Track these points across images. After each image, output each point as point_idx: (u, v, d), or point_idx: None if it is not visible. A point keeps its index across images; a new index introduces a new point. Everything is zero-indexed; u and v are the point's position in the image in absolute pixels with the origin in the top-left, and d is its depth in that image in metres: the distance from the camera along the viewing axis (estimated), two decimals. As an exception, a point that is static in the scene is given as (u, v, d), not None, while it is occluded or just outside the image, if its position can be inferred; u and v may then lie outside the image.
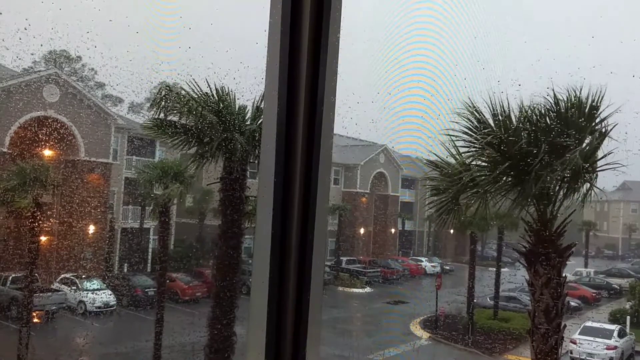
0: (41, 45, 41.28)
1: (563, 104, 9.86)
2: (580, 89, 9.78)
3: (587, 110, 9.77)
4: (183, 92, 13.52)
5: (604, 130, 9.89)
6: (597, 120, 9.85)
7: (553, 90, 9.85)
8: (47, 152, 27.84)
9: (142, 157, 35.09)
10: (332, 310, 30.52)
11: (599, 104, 9.77)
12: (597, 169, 9.93)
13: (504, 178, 10.15)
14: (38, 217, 18.86)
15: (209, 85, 13.66)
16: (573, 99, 9.81)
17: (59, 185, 21.26)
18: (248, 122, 13.61)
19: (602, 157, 9.95)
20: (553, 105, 9.96)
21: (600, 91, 9.75)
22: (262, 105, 12.60)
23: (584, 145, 9.89)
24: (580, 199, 10.08)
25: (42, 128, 28.37)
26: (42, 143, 27.67)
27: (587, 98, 9.77)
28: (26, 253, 19.30)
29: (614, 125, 9.86)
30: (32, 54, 39.33)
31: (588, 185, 9.96)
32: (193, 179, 22.72)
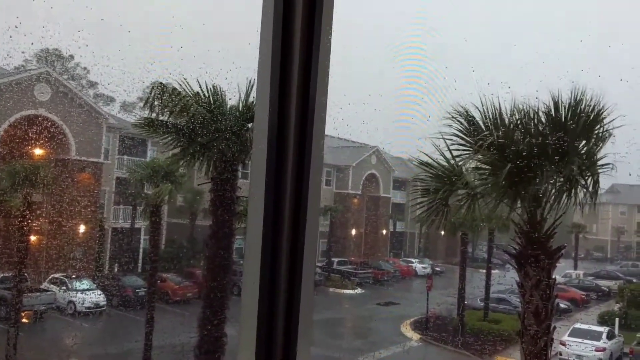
0: (32, 43, 41.07)
1: (554, 107, 9.92)
2: (578, 94, 9.84)
3: (577, 113, 9.83)
4: (175, 91, 13.48)
5: (601, 135, 9.95)
6: (588, 123, 9.91)
7: (546, 92, 9.92)
8: (38, 151, 27.66)
9: (133, 156, 34.94)
10: (323, 311, 30.52)
11: (589, 107, 9.84)
12: (596, 174, 9.96)
13: (495, 180, 10.19)
14: (27, 217, 18.73)
15: (200, 85, 13.67)
16: (563, 102, 9.87)
17: (49, 185, 21.12)
18: (239, 122, 13.59)
19: (596, 162, 10.00)
20: (544, 108, 10.02)
21: (590, 94, 9.82)
22: (253, 104, 12.61)
23: (579, 149, 9.94)
24: (573, 202, 10.12)
25: (33, 127, 28.18)
26: (33, 142, 27.48)
27: (577, 101, 9.84)
28: (15, 252, 19.15)
29: (607, 130, 9.92)
30: (22, 52, 39.05)
31: (584, 190, 10.00)
32: (184, 178, 22.65)
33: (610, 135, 9.86)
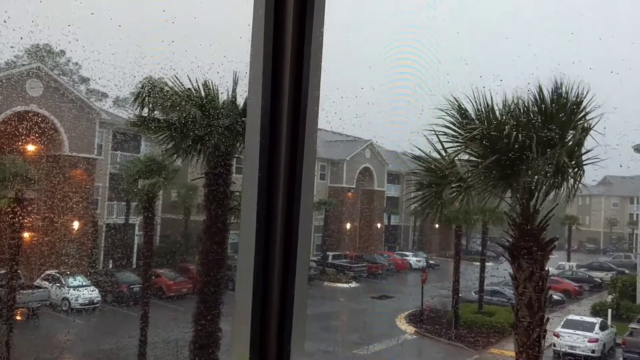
0: (21, 38, 40.72)
1: (545, 99, 9.96)
2: (561, 85, 9.89)
3: (568, 105, 9.88)
4: (167, 87, 13.43)
5: (585, 125, 10.00)
6: (579, 115, 9.96)
7: (537, 85, 9.96)
8: (30, 147, 27.48)
9: (126, 152, 34.80)
10: (318, 305, 30.59)
11: (579, 100, 9.88)
12: (582, 164, 10.02)
13: (488, 172, 10.23)
14: (19, 213, 18.62)
15: (190, 80, 13.62)
16: (554, 95, 9.92)
17: (40, 181, 21.00)
18: (232, 116, 13.54)
19: (585, 153, 10.06)
20: (535, 100, 10.05)
21: (581, 87, 9.87)
22: (244, 98, 12.44)
23: (566, 140, 10.00)
24: (564, 194, 10.17)
25: (24, 123, 27.98)
26: (25, 138, 27.29)
27: (568, 93, 9.88)
28: (7, 249, 19.04)
29: (596, 121, 9.97)
30: (11, 47, 38.74)
31: (572, 180, 10.05)
32: (177, 172, 22.56)
33: (590, 126, 9.90)
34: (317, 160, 45.50)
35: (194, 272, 28.25)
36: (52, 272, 27.88)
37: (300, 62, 1.68)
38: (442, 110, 10.39)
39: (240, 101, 13.88)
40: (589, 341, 25.07)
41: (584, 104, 9.90)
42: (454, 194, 10.81)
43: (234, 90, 13.70)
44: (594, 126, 9.90)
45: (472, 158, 10.58)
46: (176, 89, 13.37)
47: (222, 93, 13.90)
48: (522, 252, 9.94)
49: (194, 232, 34.46)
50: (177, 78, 13.46)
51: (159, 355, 20.70)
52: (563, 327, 25.87)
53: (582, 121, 9.98)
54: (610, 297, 34.84)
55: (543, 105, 9.97)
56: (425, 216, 11.24)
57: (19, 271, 20.15)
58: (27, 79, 28.94)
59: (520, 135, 9.58)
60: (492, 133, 9.82)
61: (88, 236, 31.23)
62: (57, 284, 27.13)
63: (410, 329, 29.05)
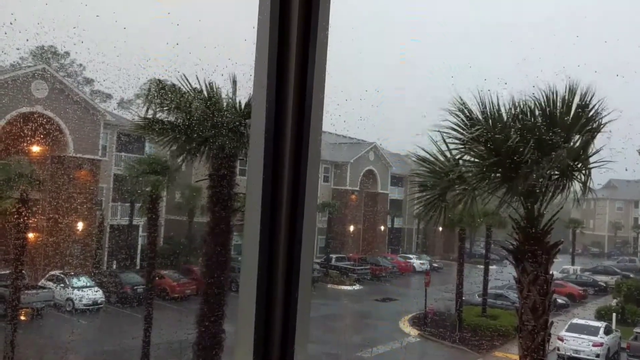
0: (27, 40, 40.96)
1: (550, 102, 9.93)
2: (567, 88, 9.86)
3: (573, 108, 9.85)
4: (174, 87, 13.46)
5: (590, 128, 9.96)
6: (583, 119, 9.92)
7: (541, 88, 9.94)
8: (35, 148, 27.59)
9: (131, 153, 34.89)
10: (322, 307, 30.57)
11: (584, 103, 9.85)
12: (589, 167, 9.98)
13: (492, 175, 10.21)
14: (24, 214, 18.69)
15: (198, 79, 13.64)
16: (559, 98, 9.89)
17: (45, 182, 21.05)
18: (236, 119, 13.56)
19: (591, 156, 10.02)
20: (540, 103, 10.03)
21: (586, 90, 9.84)
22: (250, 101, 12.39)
23: (571, 143, 9.97)
24: (571, 197, 10.15)
25: (30, 124, 28.09)
26: (30, 139, 27.40)
27: (573, 97, 9.85)
28: (12, 250, 19.12)
29: (603, 125, 9.93)
30: (17, 49, 38.97)
31: (578, 183, 10.03)
32: (177, 172, 22.57)
33: (601, 127, 9.86)
34: (321, 163, 45.51)
35: (198, 274, 28.31)
36: (57, 272, 27.95)
37: (304, 64, 1.68)
38: (446, 112, 10.37)
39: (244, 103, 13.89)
40: (594, 345, 24.97)
41: (589, 107, 9.86)
42: (458, 196, 10.78)
43: (233, 93, 13.72)
44: (601, 128, 9.86)
45: (476, 160, 10.55)
46: (181, 89, 13.39)
47: (226, 95, 13.92)
48: (526, 255, 9.91)
49: (197, 233, 34.50)
50: (185, 77, 13.49)
51: (162, 357, 20.72)
52: (567, 331, 25.77)
53: (587, 125, 9.94)
54: (615, 301, 34.69)
55: (548, 109, 9.94)
56: (429, 219, 11.18)
57: (23, 271, 20.22)
58: (33, 80, 29.07)
59: (524, 139, 9.55)
60: (497, 136, 9.80)
61: (92, 237, 31.32)
62: (62, 285, 27.20)
63: (413, 331, 29.00)
